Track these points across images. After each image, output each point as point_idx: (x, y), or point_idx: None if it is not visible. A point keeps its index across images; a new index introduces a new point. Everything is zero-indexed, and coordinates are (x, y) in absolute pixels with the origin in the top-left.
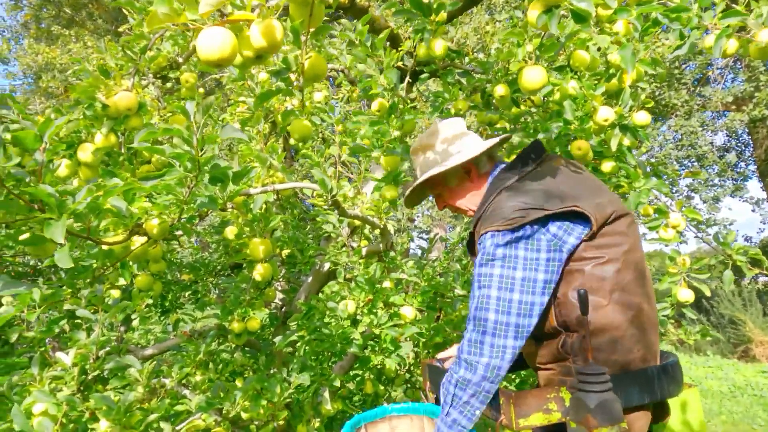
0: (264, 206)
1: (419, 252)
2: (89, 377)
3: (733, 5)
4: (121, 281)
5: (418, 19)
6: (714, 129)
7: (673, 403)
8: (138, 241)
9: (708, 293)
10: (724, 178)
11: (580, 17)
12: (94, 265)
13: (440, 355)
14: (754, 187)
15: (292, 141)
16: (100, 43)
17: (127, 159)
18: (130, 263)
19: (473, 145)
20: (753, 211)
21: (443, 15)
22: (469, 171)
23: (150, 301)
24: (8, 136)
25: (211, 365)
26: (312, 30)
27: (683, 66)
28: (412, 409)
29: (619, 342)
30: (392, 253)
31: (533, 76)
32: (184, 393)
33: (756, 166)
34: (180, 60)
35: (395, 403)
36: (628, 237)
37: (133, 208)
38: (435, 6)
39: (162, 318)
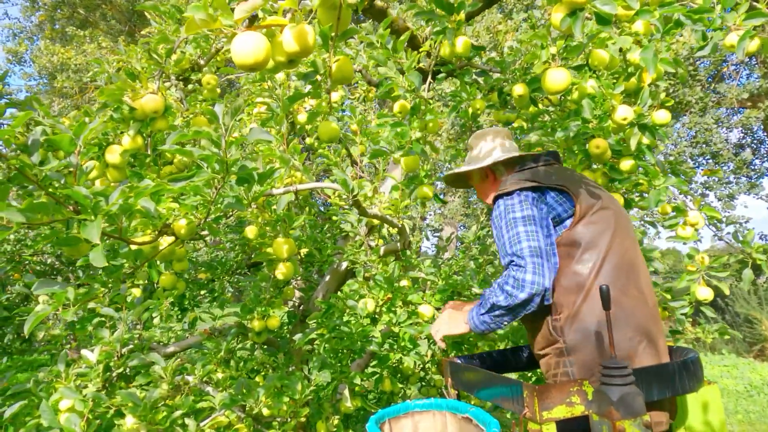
0: (287, 206)
1: (430, 251)
2: (113, 374)
3: (756, 4)
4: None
5: (439, 18)
6: (729, 126)
7: (694, 401)
8: (166, 241)
9: (727, 291)
10: (740, 175)
11: (603, 19)
12: (126, 265)
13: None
14: None
15: (308, 141)
16: (117, 44)
17: (152, 160)
18: (158, 262)
19: (493, 156)
20: None
21: (462, 15)
22: (488, 175)
23: (170, 300)
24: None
25: (232, 363)
26: (339, 33)
27: (697, 62)
28: (435, 404)
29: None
30: (408, 252)
31: (558, 78)
32: (207, 390)
33: None
34: (202, 62)
35: (417, 399)
36: (616, 230)
37: (161, 209)
38: (456, 5)
39: (181, 316)
